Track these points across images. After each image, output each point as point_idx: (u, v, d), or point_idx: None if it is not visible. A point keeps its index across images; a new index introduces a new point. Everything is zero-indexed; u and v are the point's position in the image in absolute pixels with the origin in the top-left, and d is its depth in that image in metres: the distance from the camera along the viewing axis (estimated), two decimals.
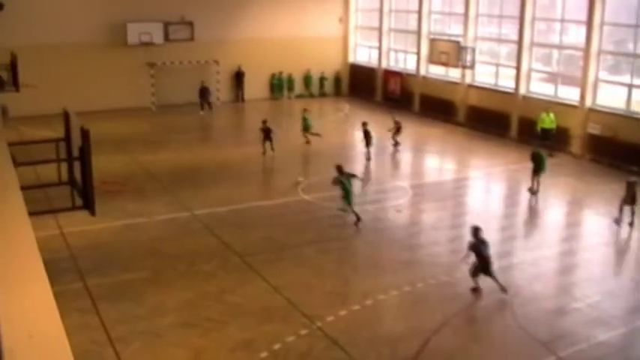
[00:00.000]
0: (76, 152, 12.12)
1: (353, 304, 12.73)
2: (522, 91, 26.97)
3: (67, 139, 13.00)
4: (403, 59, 34.68)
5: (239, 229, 16.79)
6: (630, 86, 23.26)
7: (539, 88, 26.96)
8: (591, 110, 24.03)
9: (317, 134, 25.45)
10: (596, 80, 24.14)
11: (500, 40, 29.50)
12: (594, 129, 23.70)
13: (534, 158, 19.67)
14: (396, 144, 24.83)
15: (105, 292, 13.16)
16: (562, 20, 26.34)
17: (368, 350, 11.21)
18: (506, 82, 28.00)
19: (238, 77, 34.89)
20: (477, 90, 29.32)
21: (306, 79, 36.74)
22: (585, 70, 24.10)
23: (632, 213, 17.07)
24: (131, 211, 17.92)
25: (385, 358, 11.04)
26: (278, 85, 36.06)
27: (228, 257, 15.00)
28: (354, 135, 26.40)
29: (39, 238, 5.47)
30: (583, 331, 11.92)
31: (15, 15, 28.94)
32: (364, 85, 36.24)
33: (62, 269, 13.89)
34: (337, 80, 37.51)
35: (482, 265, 13.12)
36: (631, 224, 17.07)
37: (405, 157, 25.10)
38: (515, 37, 27.39)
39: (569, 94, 25.24)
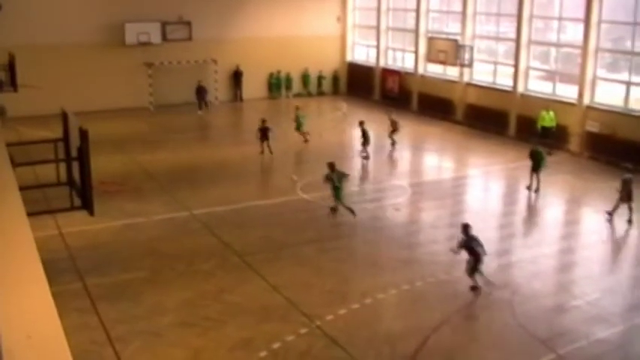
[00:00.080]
0: (74, 152, 12.11)
1: (352, 302, 12.73)
2: (520, 89, 26.98)
3: (66, 139, 12.99)
4: (401, 58, 34.67)
5: (238, 229, 16.78)
6: (628, 84, 23.28)
7: (537, 86, 26.97)
8: (589, 108, 24.05)
9: (306, 134, 25.48)
10: (594, 78, 24.16)
11: (498, 39, 29.51)
12: (592, 127, 23.71)
13: (533, 156, 19.69)
14: (394, 143, 24.82)
15: (104, 292, 13.15)
16: (560, 18, 26.35)
17: (367, 349, 11.21)
18: (505, 81, 28.01)
19: (236, 77, 34.88)
20: (475, 88, 29.33)
21: (304, 78, 36.73)
22: (583, 67, 24.11)
23: (630, 210, 17.09)
24: (130, 211, 17.91)
25: (384, 357, 11.05)
26: (276, 85, 36.05)
27: (226, 256, 15.00)
28: (352, 134, 26.39)
29: (37, 239, 5.47)
30: (582, 328, 11.93)
31: (13, 15, 28.90)
32: (362, 84, 36.23)
33: (61, 269, 13.88)
34: (335, 79, 37.50)
35: (476, 261, 13.15)
36: (629, 221, 17.09)
37: (404, 155, 25.10)
38: (513, 35, 27.38)
39: (567, 91, 25.26)
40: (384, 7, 34.97)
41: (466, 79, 29.68)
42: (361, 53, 37.59)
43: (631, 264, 15.64)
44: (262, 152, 23.49)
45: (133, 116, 30.87)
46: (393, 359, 11.01)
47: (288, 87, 36.22)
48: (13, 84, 23.42)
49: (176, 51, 32.62)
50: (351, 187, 20.77)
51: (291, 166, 22.97)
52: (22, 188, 7.30)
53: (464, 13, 29.50)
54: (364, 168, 23.26)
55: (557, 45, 26.70)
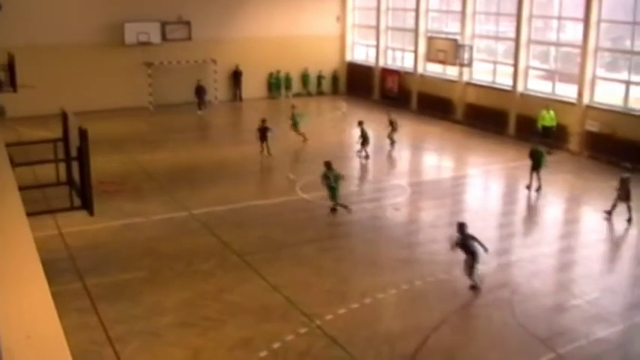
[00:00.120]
0: (74, 152, 12.10)
1: (352, 302, 12.73)
2: (520, 88, 26.98)
3: (65, 139, 12.98)
4: (401, 57, 34.67)
5: (237, 228, 16.78)
6: (628, 83, 23.28)
7: (536, 85, 26.98)
8: (589, 107, 24.05)
9: (303, 133, 25.51)
10: (594, 77, 24.17)
11: (497, 38, 29.51)
12: (592, 126, 23.71)
13: (533, 155, 19.70)
14: (393, 142, 24.81)
15: (103, 291, 13.15)
16: (559, 17, 26.35)
17: (367, 348, 11.21)
18: (504, 80, 28.02)
19: (236, 76, 34.87)
20: (475, 88, 29.34)
21: (304, 78, 36.73)
22: (583, 67, 24.12)
23: (628, 209, 17.11)
24: (129, 211, 17.91)
25: (384, 356, 11.05)
26: (276, 84, 36.04)
27: (226, 256, 15.00)
28: (351, 134, 26.39)
29: (37, 239, 5.47)
30: (582, 327, 11.93)
31: (13, 15, 28.89)
32: (362, 84, 36.23)
33: (61, 269, 13.88)
34: (335, 79, 37.49)
35: (473, 259, 13.16)
36: (629, 220, 17.11)
37: (403, 155, 25.11)
38: (512, 34, 27.38)
39: (566, 91, 25.26)
40: (383, 7, 34.96)
41: (466, 78, 29.68)
42: (361, 53, 37.58)
43: (630, 263, 15.64)
44: (262, 152, 23.48)
45: (132, 116, 30.87)
46: (393, 359, 11.02)
47: (288, 87, 36.21)
48: (12, 84, 23.41)
49: (176, 51, 32.61)
50: (351, 186, 20.79)
51: (291, 166, 22.96)
52: (21, 188, 7.30)
53: (463, 12, 29.50)
54: (364, 168, 23.27)
55: (557, 44, 26.70)
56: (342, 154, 24.06)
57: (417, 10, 32.17)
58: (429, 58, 31.30)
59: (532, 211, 19.38)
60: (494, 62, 29.13)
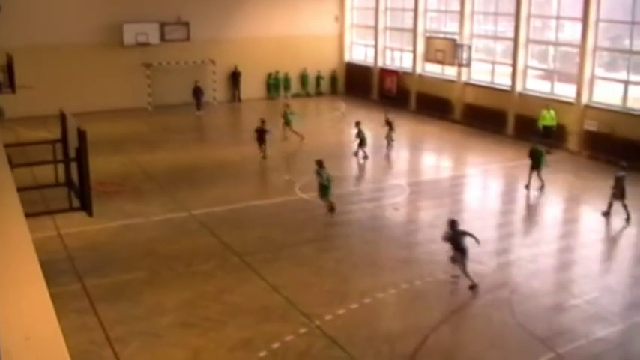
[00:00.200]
0: (72, 153, 12.11)
1: (351, 302, 12.73)
2: (518, 88, 26.99)
3: (64, 140, 12.99)
4: (399, 57, 34.68)
5: (237, 229, 16.78)
6: (626, 82, 23.29)
7: (535, 85, 26.99)
8: (587, 107, 24.06)
9: (297, 134, 25.55)
10: (592, 77, 24.18)
11: (496, 38, 29.53)
12: (591, 126, 23.72)
13: (532, 155, 19.71)
14: (390, 142, 24.82)
15: (103, 292, 13.15)
16: (558, 17, 26.35)
17: (366, 348, 11.21)
18: (503, 80, 28.04)
19: (234, 77, 34.88)
20: (473, 87, 29.35)
21: (303, 79, 36.73)
22: (581, 66, 24.13)
23: (624, 207, 17.17)
24: (128, 212, 17.91)
25: (384, 356, 11.05)
26: (274, 85, 36.04)
27: (226, 257, 15.00)
28: (350, 134, 26.39)
29: (36, 240, 5.47)
30: (581, 327, 11.93)
31: (11, 16, 28.88)
32: (360, 84, 36.24)
33: (60, 270, 13.87)
34: (333, 79, 37.50)
35: (462, 255, 13.33)
36: (627, 219, 17.14)
37: (402, 155, 25.12)
38: (511, 34, 27.39)
39: (565, 91, 25.28)
40: (382, 7, 34.98)
41: (464, 78, 29.69)
42: (359, 53, 37.59)
43: (630, 262, 15.64)
44: (262, 154, 23.34)
45: (131, 117, 30.86)
46: (393, 358, 11.02)
47: (287, 87, 36.21)
48: (11, 85, 23.40)
49: (174, 51, 32.61)
50: (350, 187, 20.82)
51: (289, 167, 22.96)
52: (20, 189, 7.30)
53: (462, 12, 29.52)
54: (363, 168, 23.27)
55: (555, 44, 26.71)
56: (341, 154, 24.08)
57: (415, 10, 32.18)
58: (428, 58, 31.32)
59: (531, 210, 19.38)
60: (493, 62, 29.15)
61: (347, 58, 37.90)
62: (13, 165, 9.85)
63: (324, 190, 17.64)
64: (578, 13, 24.36)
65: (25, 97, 26.19)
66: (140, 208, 18.24)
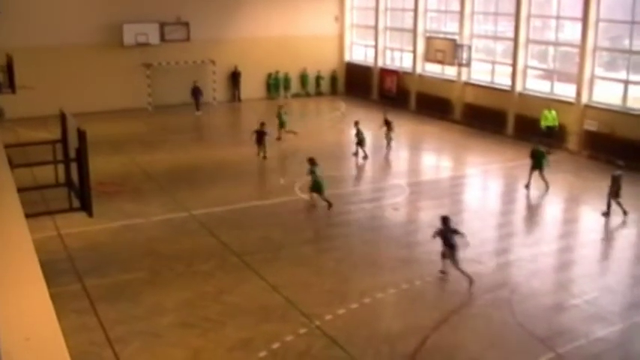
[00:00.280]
0: (72, 153, 12.10)
1: (351, 302, 12.73)
2: (518, 88, 26.99)
3: (64, 140, 12.99)
4: (399, 57, 34.68)
5: (236, 229, 16.78)
6: (626, 82, 23.29)
7: (535, 85, 26.99)
8: (587, 107, 24.06)
9: (293, 132, 25.60)
10: (592, 77, 24.18)
11: (496, 38, 29.53)
12: (591, 125, 23.72)
13: (534, 155, 19.72)
14: (388, 143, 24.81)
15: (103, 292, 13.15)
16: (557, 17, 26.35)
17: (366, 348, 11.21)
18: (503, 80, 28.03)
19: (234, 77, 34.87)
20: (473, 87, 29.35)
21: (303, 79, 36.72)
22: (581, 66, 24.13)
23: (619, 204, 17.31)
24: (128, 212, 17.91)
25: (384, 356, 11.05)
26: (274, 85, 36.03)
27: (225, 257, 15.00)
28: (350, 134, 26.40)
29: (36, 240, 5.47)
30: (581, 327, 11.93)
31: (11, 17, 28.88)
32: (360, 84, 36.23)
33: (60, 270, 13.87)
34: (333, 79, 37.48)
35: (452, 251, 13.50)
36: (625, 213, 17.22)
37: (402, 155, 25.12)
38: (511, 34, 27.39)
39: (565, 90, 25.28)
40: (382, 7, 34.97)
41: (464, 78, 29.69)
42: (359, 53, 37.58)
43: (629, 262, 15.64)
44: (259, 154, 23.35)
45: (131, 117, 30.86)
46: (393, 358, 11.02)
47: (287, 87, 36.19)
48: (11, 85, 23.40)
49: (174, 52, 32.61)
50: (350, 186, 20.83)
51: (288, 169, 22.95)
52: (20, 190, 7.30)
53: (462, 12, 29.51)
54: (362, 168, 23.27)
55: (555, 44, 26.71)
56: (340, 154, 24.09)
57: (415, 10, 32.18)
58: (428, 58, 31.32)
59: (531, 210, 19.38)
60: (493, 62, 29.14)
61: (347, 58, 37.89)
62: (13, 165, 9.85)
63: (318, 186, 17.86)
64: (578, 13, 24.36)
65: (25, 97, 26.19)
66: (140, 209, 18.24)
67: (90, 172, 11.77)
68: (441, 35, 31.05)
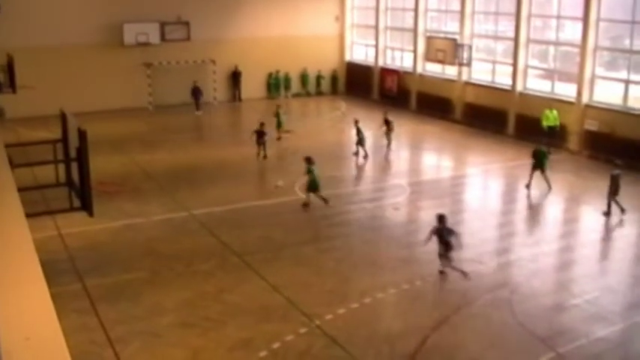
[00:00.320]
0: (73, 153, 12.12)
1: (352, 302, 12.73)
2: (519, 88, 26.98)
3: (65, 140, 13.00)
4: (400, 57, 34.68)
5: (237, 229, 16.78)
6: (627, 82, 23.28)
7: (536, 84, 26.98)
8: (588, 106, 24.06)
9: (288, 131, 25.68)
10: (593, 76, 24.17)
11: (496, 37, 29.52)
12: (591, 125, 23.72)
13: (535, 155, 19.72)
14: (389, 143, 24.80)
15: (103, 292, 13.15)
16: (558, 17, 26.34)
17: (367, 348, 11.21)
18: (503, 79, 28.03)
19: (235, 77, 34.87)
20: (474, 87, 29.34)
21: (303, 78, 36.72)
22: (582, 66, 24.12)
23: (616, 203, 17.38)
24: (129, 212, 17.91)
25: (384, 356, 11.05)
26: (275, 85, 36.03)
27: (226, 257, 15.00)
28: (350, 134, 26.40)
29: (36, 240, 5.47)
30: (582, 327, 11.93)
31: (12, 16, 28.89)
32: (361, 84, 36.23)
33: (60, 270, 13.88)
34: (334, 79, 37.48)
35: (446, 249, 13.65)
36: (622, 210, 17.27)
37: (402, 154, 25.12)
38: (511, 34, 27.39)
39: (566, 90, 25.27)
40: (382, 7, 34.97)
41: (465, 78, 29.69)
42: (360, 53, 37.58)
43: (630, 262, 15.63)
44: (262, 155, 23.32)
45: (131, 117, 30.87)
46: (393, 358, 11.02)
47: (287, 87, 36.20)
48: (12, 85, 23.41)
49: (175, 51, 32.61)
50: (350, 186, 20.82)
51: (290, 167, 22.91)
52: (20, 189, 7.31)
53: (462, 12, 29.51)
54: (363, 167, 23.27)
55: (556, 43, 26.71)
56: (341, 154, 24.10)
57: (415, 10, 32.18)
58: (428, 57, 31.32)
59: (531, 210, 19.37)
60: (494, 62, 29.14)
61: (347, 57, 37.89)
62: (13, 165, 9.85)
63: (315, 185, 18.00)
64: (578, 12, 24.35)
65: (26, 97, 26.19)
66: (140, 208, 18.24)
67: (90, 172, 11.79)
68: (442, 35, 31.05)
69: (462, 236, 14.37)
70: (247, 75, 34.78)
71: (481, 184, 22.08)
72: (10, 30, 28.69)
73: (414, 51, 32.43)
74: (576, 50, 24.78)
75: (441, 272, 13.88)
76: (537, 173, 19.69)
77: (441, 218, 13.98)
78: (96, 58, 31.28)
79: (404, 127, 27.37)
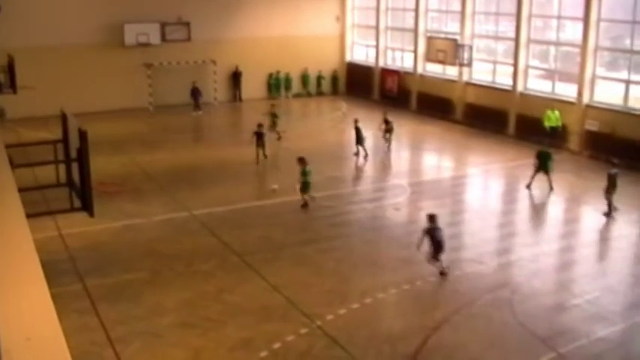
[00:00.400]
0: (73, 153, 12.12)
1: (352, 302, 12.73)
2: (520, 88, 26.98)
3: (65, 140, 13.01)
4: (400, 57, 34.68)
5: (237, 229, 16.78)
6: (627, 82, 23.28)
7: (536, 85, 26.98)
8: (589, 107, 24.05)
9: (280, 132, 25.77)
10: (594, 77, 24.17)
11: (497, 38, 29.52)
12: (592, 125, 23.71)
13: (540, 157, 19.68)
14: (389, 143, 24.78)
15: (104, 292, 13.15)
16: (559, 17, 26.34)
17: (367, 348, 11.21)
18: (504, 80, 28.02)
19: (235, 77, 34.87)
20: (475, 87, 29.34)
21: (304, 79, 36.72)
22: (582, 66, 24.12)
23: (610, 202, 17.41)
24: (129, 212, 17.91)
25: (385, 356, 11.04)
26: (275, 85, 36.03)
27: (226, 257, 15.00)
28: (351, 134, 26.40)
29: (37, 240, 5.47)
30: (582, 327, 11.93)
31: (12, 16, 28.90)
32: (361, 84, 36.23)
33: (61, 270, 13.88)
34: (334, 79, 37.48)
35: (436, 249, 13.72)
36: (615, 209, 17.42)
37: (403, 155, 25.12)
38: (512, 34, 27.39)
39: (566, 90, 25.27)
40: (383, 7, 34.97)
41: (465, 78, 29.68)
42: (360, 53, 37.58)
43: (630, 262, 15.62)
44: (263, 155, 23.30)
45: (132, 117, 30.87)
46: (394, 359, 11.01)
47: (288, 87, 36.20)
48: (12, 86, 23.43)
49: (175, 51, 32.62)
50: (350, 186, 20.82)
51: (291, 167, 22.88)
52: (21, 190, 7.31)
53: (463, 12, 29.51)
54: (363, 167, 23.26)
55: (557, 44, 26.71)
56: (341, 154, 24.10)
57: (416, 10, 32.18)
58: (429, 58, 31.31)
59: (532, 210, 19.37)
60: (494, 62, 29.14)
61: (348, 58, 37.89)
62: (14, 165, 9.86)
63: (307, 186, 18.13)
64: (579, 12, 24.35)
65: (26, 97, 26.21)
66: (141, 208, 18.24)
67: (91, 172, 11.80)
68: (442, 35, 31.05)
69: (463, 236, 14.39)
70: (248, 75, 34.79)
71: (482, 185, 22.08)
72: (11, 30, 28.70)
73: (415, 51, 32.44)
74: (577, 50, 24.78)
75: (442, 273, 13.86)
76: (540, 175, 19.64)
77: (431, 218, 14.05)
78: (96, 58, 31.29)
79: (404, 127, 27.37)
